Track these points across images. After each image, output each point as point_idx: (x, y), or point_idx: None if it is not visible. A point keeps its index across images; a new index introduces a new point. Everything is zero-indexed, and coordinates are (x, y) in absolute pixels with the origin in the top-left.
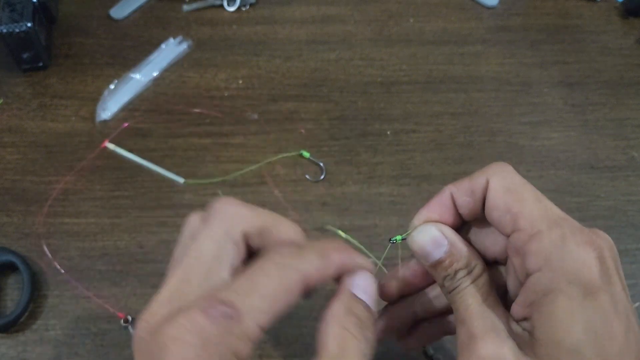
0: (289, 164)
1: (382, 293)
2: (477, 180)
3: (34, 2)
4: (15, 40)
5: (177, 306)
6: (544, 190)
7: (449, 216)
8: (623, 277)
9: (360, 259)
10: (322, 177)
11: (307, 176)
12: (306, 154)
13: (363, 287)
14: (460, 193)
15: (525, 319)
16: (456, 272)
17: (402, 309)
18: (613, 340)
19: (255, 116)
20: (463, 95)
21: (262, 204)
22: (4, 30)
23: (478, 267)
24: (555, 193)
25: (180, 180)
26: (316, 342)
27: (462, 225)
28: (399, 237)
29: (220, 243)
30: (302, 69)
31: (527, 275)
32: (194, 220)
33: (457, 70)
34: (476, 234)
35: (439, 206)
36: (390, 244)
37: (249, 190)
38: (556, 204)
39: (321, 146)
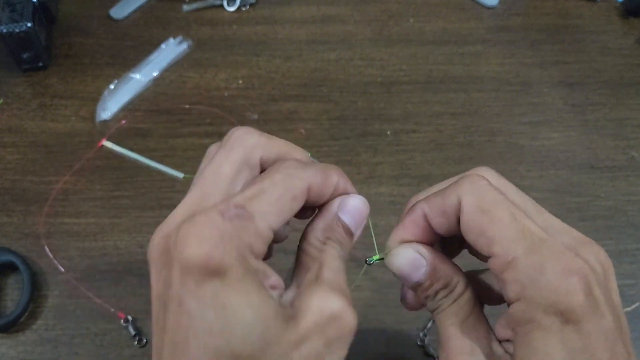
0: None
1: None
2: (448, 200)
3: (34, 2)
4: (15, 40)
5: (195, 212)
6: (544, 190)
7: (425, 234)
8: (617, 302)
9: (352, 186)
10: None
11: None
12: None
13: (349, 209)
14: (434, 214)
15: (508, 340)
16: (436, 292)
17: None
18: None
19: (255, 116)
20: (463, 95)
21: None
22: (4, 30)
23: (459, 285)
24: (555, 193)
25: (180, 175)
26: (296, 254)
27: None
28: (375, 257)
29: (238, 167)
30: (302, 69)
31: (508, 302)
32: (213, 149)
33: (457, 70)
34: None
35: (413, 226)
36: (366, 265)
37: None
38: (556, 204)
39: (321, 146)
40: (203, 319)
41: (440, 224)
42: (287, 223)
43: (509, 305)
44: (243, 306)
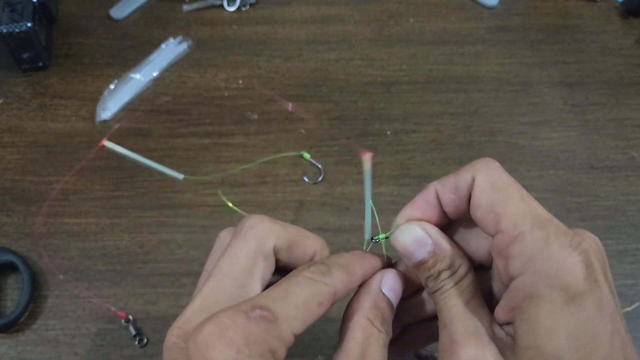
0: (289, 164)
1: None
2: (462, 177)
3: (34, 2)
4: (15, 40)
5: (211, 313)
6: (544, 190)
7: (434, 214)
8: (611, 281)
9: (379, 262)
10: (320, 179)
11: (305, 178)
12: (307, 155)
13: (390, 285)
14: (445, 190)
15: (508, 323)
16: (440, 272)
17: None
18: (597, 345)
19: (255, 116)
20: (463, 95)
21: (262, 203)
22: (4, 30)
23: (463, 267)
24: (555, 193)
25: (180, 176)
26: (339, 333)
27: (449, 225)
28: (381, 236)
29: (252, 257)
30: (302, 69)
31: (510, 278)
32: (224, 235)
33: (457, 70)
34: (463, 235)
35: (424, 204)
36: (372, 243)
37: (249, 190)
38: (556, 204)
39: (321, 146)
40: None
41: (451, 201)
42: None
43: (506, 285)
44: None
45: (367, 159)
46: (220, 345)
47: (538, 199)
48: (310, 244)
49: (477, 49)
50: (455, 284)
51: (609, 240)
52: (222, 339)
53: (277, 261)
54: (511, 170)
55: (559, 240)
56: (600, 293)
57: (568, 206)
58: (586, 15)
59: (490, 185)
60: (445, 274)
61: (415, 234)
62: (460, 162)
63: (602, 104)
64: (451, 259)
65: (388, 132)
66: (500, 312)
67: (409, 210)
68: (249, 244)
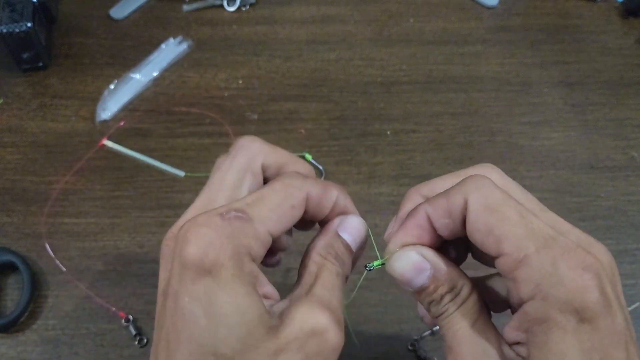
0: None
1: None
2: (454, 200)
3: (34, 2)
4: (15, 40)
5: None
6: (544, 190)
7: (428, 237)
8: (623, 301)
9: (352, 205)
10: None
11: None
12: (308, 157)
13: (348, 227)
14: (438, 215)
15: (519, 343)
16: (442, 297)
17: None
18: None
19: (255, 116)
20: (463, 95)
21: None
22: (4, 30)
23: (465, 288)
24: (555, 193)
25: (181, 173)
26: (298, 272)
27: (446, 242)
28: (376, 263)
29: (241, 172)
30: (302, 69)
31: (520, 301)
32: (221, 159)
33: (457, 70)
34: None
35: (415, 229)
36: (366, 271)
37: None
38: (556, 204)
39: (321, 146)
40: (192, 314)
41: (445, 226)
42: (290, 234)
43: (518, 306)
44: (229, 306)
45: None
46: (194, 239)
47: (538, 199)
48: (299, 167)
49: (477, 49)
50: (459, 306)
51: (609, 240)
52: (196, 234)
53: (266, 179)
54: (511, 170)
55: (568, 260)
56: (614, 317)
57: (568, 206)
58: (586, 15)
59: (485, 207)
60: (447, 298)
61: (413, 261)
62: (460, 162)
63: (602, 104)
64: (452, 281)
65: (388, 132)
66: (510, 331)
67: (401, 237)
68: (239, 160)
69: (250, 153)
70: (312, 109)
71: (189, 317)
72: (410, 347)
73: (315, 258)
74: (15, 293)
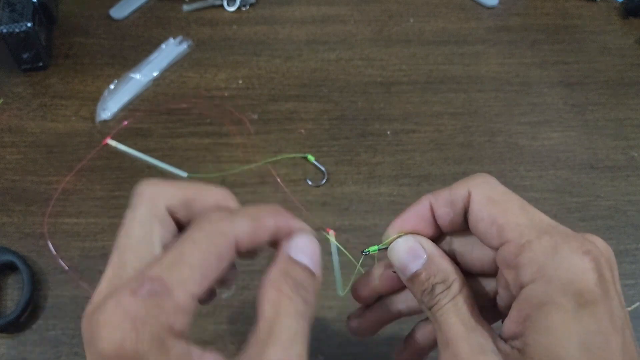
0: (290, 165)
1: (356, 296)
2: (457, 191)
3: (34, 2)
4: (15, 40)
5: (112, 290)
6: (544, 190)
7: (426, 227)
8: (620, 288)
9: (297, 222)
10: (323, 181)
11: (309, 181)
12: (311, 158)
13: (301, 248)
14: (440, 204)
15: (515, 337)
16: (433, 286)
17: (383, 309)
18: (609, 357)
19: (255, 116)
20: (463, 95)
21: (263, 204)
22: (4, 30)
23: (457, 282)
24: (555, 193)
25: (184, 174)
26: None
27: (443, 238)
28: (374, 248)
29: (146, 223)
30: (302, 69)
31: (521, 287)
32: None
33: (457, 70)
34: (459, 247)
35: (416, 216)
36: (363, 256)
37: (249, 190)
38: (556, 204)
39: (321, 146)
40: None
41: (445, 215)
42: (234, 268)
43: (517, 295)
44: None
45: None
46: (106, 331)
47: (538, 199)
48: (211, 196)
49: (477, 49)
50: (451, 299)
51: (609, 240)
52: (108, 324)
53: (177, 220)
54: (511, 170)
55: (570, 245)
56: (612, 302)
57: (568, 206)
58: (586, 15)
59: (488, 199)
60: (439, 288)
61: (410, 246)
62: (460, 162)
63: (602, 104)
64: (445, 272)
65: (388, 132)
66: (510, 324)
67: (400, 222)
68: (140, 211)
69: (149, 198)
70: (312, 109)
71: None
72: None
73: (269, 295)
74: (15, 293)
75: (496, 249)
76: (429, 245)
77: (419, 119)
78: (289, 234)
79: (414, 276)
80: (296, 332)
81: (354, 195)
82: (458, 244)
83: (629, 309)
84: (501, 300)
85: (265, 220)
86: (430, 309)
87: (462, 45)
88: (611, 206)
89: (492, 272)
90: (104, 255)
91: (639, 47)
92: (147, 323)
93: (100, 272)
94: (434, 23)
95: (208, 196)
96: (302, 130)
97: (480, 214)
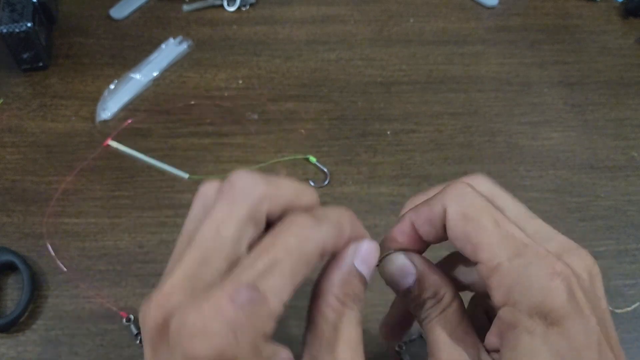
0: (290, 165)
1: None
2: (434, 208)
3: (34, 2)
4: (15, 40)
5: (196, 290)
6: (544, 190)
7: (413, 244)
8: (602, 306)
9: (364, 230)
10: (325, 182)
11: (311, 182)
12: (312, 159)
13: (365, 258)
14: (421, 222)
15: (495, 350)
16: (425, 301)
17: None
18: None
19: (255, 116)
20: (463, 95)
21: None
22: (4, 30)
23: (447, 295)
24: (555, 193)
25: (185, 175)
26: (308, 311)
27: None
28: None
29: (243, 225)
30: (302, 69)
31: (496, 308)
32: (209, 191)
33: (457, 70)
34: (451, 261)
35: (401, 235)
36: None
37: None
38: (556, 204)
39: (321, 146)
40: None
41: (428, 233)
42: None
43: (496, 310)
44: None
45: None
46: (205, 337)
47: (538, 199)
48: (306, 199)
49: (477, 49)
50: (441, 312)
51: (609, 240)
52: (205, 330)
53: (267, 222)
54: (511, 170)
55: (539, 267)
56: (585, 322)
57: (568, 206)
58: (586, 15)
59: (462, 216)
60: (430, 303)
61: (400, 263)
62: (460, 162)
63: (602, 104)
64: (435, 287)
65: (388, 132)
66: (490, 338)
67: (387, 243)
68: (239, 210)
69: (253, 200)
70: (312, 109)
71: None
72: (397, 349)
73: (332, 302)
74: (15, 293)
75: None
76: (419, 261)
77: (419, 119)
78: (353, 237)
79: (406, 292)
80: (358, 339)
81: (354, 195)
82: (450, 258)
83: (629, 309)
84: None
85: (345, 227)
86: (421, 322)
87: (462, 45)
88: (611, 206)
89: (477, 288)
90: (104, 256)
91: (639, 47)
92: (246, 330)
93: (101, 272)
94: (434, 23)
95: (304, 201)
96: (302, 130)
97: (455, 232)
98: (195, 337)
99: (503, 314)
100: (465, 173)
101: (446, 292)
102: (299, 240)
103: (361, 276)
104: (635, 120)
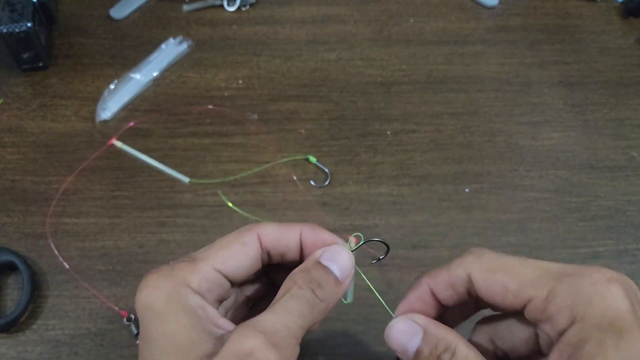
0: (290, 165)
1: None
2: (456, 274)
3: (34, 2)
4: (15, 40)
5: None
6: (544, 190)
7: (429, 309)
8: None
9: (330, 236)
10: (326, 182)
11: (312, 182)
12: (312, 159)
13: (331, 257)
14: (441, 288)
15: None
16: (439, 357)
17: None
18: None
19: (255, 116)
20: (463, 95)
21: (262, 203)
22: (4, 30)
23: (461, 347)
24: (555, 193)
25: (185, 179)
26: None
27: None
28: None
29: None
30: (302, 69)
31: (559, 334)
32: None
33: (457, 70)
34: (492, 334)
35: (417, 301)
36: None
37: (249, 190)
38: (556, 204)
39: (321, 146)
40: (140, 350)
41: (449, 297)
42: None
43: (556, 342)
44: (160, 335)
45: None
46: (143, 287)
47: (538, 199)
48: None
49: (477, 49)
50: None
51: (609, 240)
52: (145, 283)
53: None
54: (511, 170)
55: (591, 279)
56: None
57: (568, 206)
58: (586, 15)
59: (489, 271)
60: (446, 356)
61: (404, 326)
62: (460, 162)
63: (602, 104)
64: (445, 340)
65: (388, 132)
66: None
67: (404, 308)
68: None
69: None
70: (312, 109)
71: (140, 353)
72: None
73: (285, 284)
74: (15, 293)
75: (521, 311)
76: (423, 319)
77: (419, 119)
78: (320, 246)
79: (417, 354)
80: (293, 307)
81: (354, 195)
82: (492, 331)
83: None
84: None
85: (290, 225)
86: None
87: (462, 45)
88: (611, 206)
89: (529, 347)
90: (104, 256)
91: (639, 47)
92: (168, 278)
93: (100, 272)
94: (434, 23)
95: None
96: (302, 130)
97: (490, 288)
98: (139, 288)
99: (570, 334)
100: (465, 173)
101: (458, 344)
102: (237, 230)
103: (327, 269)
104: (635, 120)
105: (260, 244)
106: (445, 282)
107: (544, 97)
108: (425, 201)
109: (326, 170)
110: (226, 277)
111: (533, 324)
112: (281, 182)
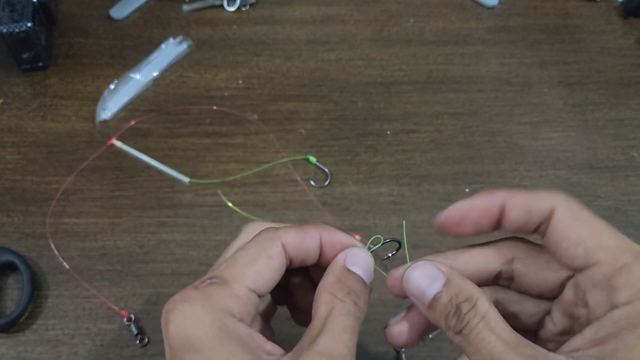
0: (290, 165)
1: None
2: (539, 202)
3: (34, 2)
4: (15, 40)
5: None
6: None
7: (486, 223)
8: None
9: (345, 236)
10: (326, 182)
11: (312, 182)
12: (312, 159)
13: (355, 260)
14: (516, 206)
15: (577, 351)
16: (458, 306)
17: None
18: None
19: (255, 116)
20: (463, 95)
21: (262, 203)
22: (4, 30)
23: (482, 299)
24: None
25: (185, 179)
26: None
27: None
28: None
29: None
30: (302, 69)
31: (611, 308)
32: (252, 230)
33: (457, 70)
34: (521, 268)
35: (483, 207)
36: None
37: (249, 190)
38: None
39: (321, 146)
40: None
41: (518, 219)
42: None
43: (599, 315)
44: None
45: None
46: (173, 318)
47: None
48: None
49: (477, 49)
50: (482, 318)
51: None
52: (175, 313)
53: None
54: (511, 170)
55: None
56: None
57: None
58: (586, 15)
59: (575, 218)
60: (465, 307)
61: (426, 270)
62: (460, 162)
63: (602, 104)
64: (467, 291)
65: (388, 132)
66: (579, 341)
67: (466, 206)
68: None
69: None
70: (312, 109)
71: None
72: (396, 348)
73: (325, 298)
74: (15, 293)
75: (574, 268)
76: (446, 267)
77: (419, 119)
78: (338, 248)
79: (435, 300)
80: (346, 326)
81: (354, 195)
82: (521, 264)
83: None
84: (554, 323)
85: (309, 229)
86: (460, 332)
87: (462, 45)
88: (611, 206)
89: (551, 294)
90: (104, 256)
91: (639, 47)
92: (207, 308)
93: (100, 271)
94: (434, 23)
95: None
96: (302, 130)
97: (565, 232)
98: (168, 321)
99: (625, 312)
100: (465, 173)
101: (480, 297)
102: (256, 240)
103: (357, 277)
104: (635, 120)
105: (285, 253)
106: (526, 204)
107: (544, 97)
108: (425, 201)
109: (326, 170)
110: (257, 294)
111: (557, 298)
112: (281, 182)
